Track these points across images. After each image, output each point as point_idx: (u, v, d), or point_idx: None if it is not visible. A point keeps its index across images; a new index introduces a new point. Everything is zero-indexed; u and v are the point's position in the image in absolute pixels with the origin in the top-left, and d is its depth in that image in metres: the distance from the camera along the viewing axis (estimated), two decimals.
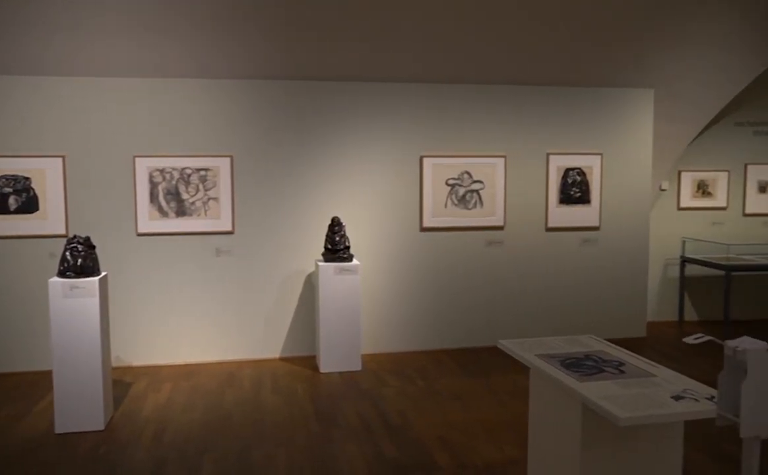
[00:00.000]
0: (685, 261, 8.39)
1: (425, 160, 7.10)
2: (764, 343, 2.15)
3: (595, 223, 7.57)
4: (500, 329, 7.28)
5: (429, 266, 7.23)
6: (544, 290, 7.50)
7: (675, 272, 8.54)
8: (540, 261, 7.48)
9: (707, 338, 2.32)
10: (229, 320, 6.87)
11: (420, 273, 7.22)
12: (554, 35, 6.53)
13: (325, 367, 6.50)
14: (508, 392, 5.82)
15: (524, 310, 7.45)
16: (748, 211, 8.57)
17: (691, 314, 8.62)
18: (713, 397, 2.59)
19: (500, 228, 7.35)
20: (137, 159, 6.56)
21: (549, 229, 7.48)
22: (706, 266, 8.04)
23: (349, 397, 5.78)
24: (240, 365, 6.78)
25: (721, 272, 7.78)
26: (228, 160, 6.72)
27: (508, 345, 3.45)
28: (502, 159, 7.27)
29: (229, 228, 6.78)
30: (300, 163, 6.88)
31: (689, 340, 2.35)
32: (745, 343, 2.15)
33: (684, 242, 8.44)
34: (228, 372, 6.52)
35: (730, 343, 2.18)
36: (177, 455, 4.56)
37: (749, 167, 8.50)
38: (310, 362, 6.83)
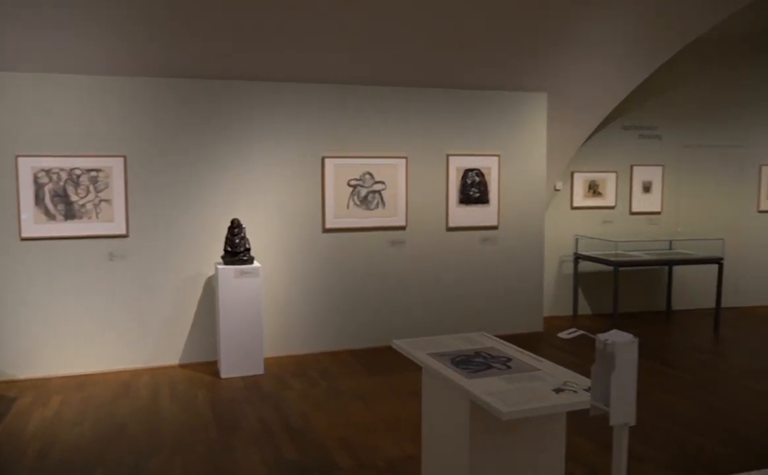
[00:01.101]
0: (578, 258, 8.80)
1: (327, 160, 7.09)
2: (630, 335, 2.29)
3: (494, 223, 7.80)
4: (403, 327, 7.37)
5: (332, 267, 7.22)
6: (446, 288, 7.67)
7: (569, 268, 8.95)
8: (441, 260, 7.64)
9: (580, 332, 2.44)
10: (124, 326, 6.60)
11: (323, 274, 7.20)
12: (452, 39, 6.68)
13: (226, 372, 6.37)
14: (410, 390, 5.90)
15: (427, 308, 7.58)
16: (634, 210, 9.09)
17: (584, 308, 9.06)
18: (590, 388, 2.72)
19: (402, 228, 7.44)
20: (20, 159, 6.18)
21: (450, 229, 7.65)
22: (596, 262, 8.46)
23: (250, 401, 5.69)
24: (136, 373, 6.53)
25: (610, 268, 8.21)
26: (121, 160, 6.45)
27: (402, 345, 3.50)
28: (404, 160, 7.36)
29: (122, 231, 6.51)
30: (198, 164, 6.71)
31: (563, 335, 2.46)
32: (613, 336, 2.28)
33: (577, 240, 8.85)
34: (123, 382, 6.27)
35: (601, 336, 2.30)
36: (65, 472, 4.33)
37: (635, 168, 9.02)
38: (210, 368, 6.67)
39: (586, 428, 4.85)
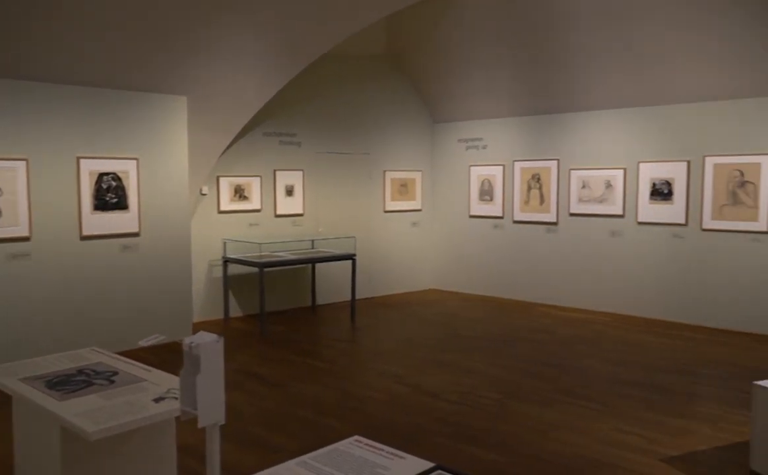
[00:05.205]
0: (227, 261, 8.88)
1: None
2: (215, 335, 2.32)
3: (135, 229, 7.42)
4: (30, 350, 6.51)
5: None
6: (82, 301, 7.03)
7: (219, 271, 8.98)
8: (76, 271, 6.99)
9: (162, 337, 2.41)
10: None
11: None
12: (80, 32, 6.16)
13: None
14: None
15: (60, 327, 6.85)
16: (279, 212, 9.53)
17: (236, 310, 9.19)
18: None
19: (26, 239, 6.61)
20: None
21: (84, 238, 7.04)
22: (244, 264, 8.65)
23: None
24: None
25: (256, 269, 8.45)
26: None
27: None
28: (24, 162, 6.54)
29: None
30: None
31: (142, 342, 2.40)
32: (198, 337, 2.29)
33: (225, 243, 8.93)
34: None
35: (186, 339, 2.29)
36: None
37: (278, 173, 9.46)
38: None
39: (227, 430, 4.88)
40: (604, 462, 4.48)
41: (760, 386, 4.30)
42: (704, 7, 7.58)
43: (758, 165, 8.00)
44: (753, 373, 6.08)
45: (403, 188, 11.10)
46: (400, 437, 4.94)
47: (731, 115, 8.26)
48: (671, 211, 8.78)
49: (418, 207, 11.38)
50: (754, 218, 8.06)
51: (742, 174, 8.13)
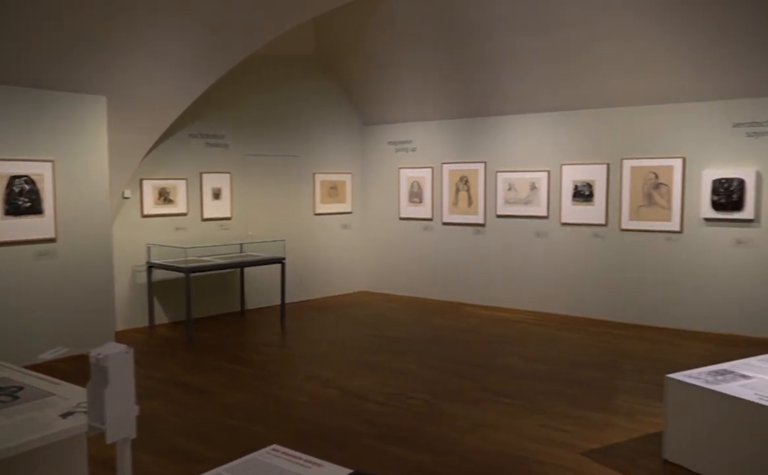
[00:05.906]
0: (151, 266, 8.62)
1: None
2: (124, 346, 2.24)
3: (51, 235, 7.10)
4: None
5: None
6: None
7: (143, 278, 8.70)
8: None
9: (65, 349, 2.31)
10: None
11: None
12: None
13: None
14: None
15: None
16: (206, 216, 9.32)
17: (162, 317, 8.92)
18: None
19: None
20: None
21: None
22: (169, 269, 8.40)
23: None
24: None
25: (183, 274, 8.22)
26: None
27: None
28: None
29: None
30: None
31: (45, 355, 2.30)
32: (106, 349, 2.20)
33: (149, 248, 8.66)
34: None
35: (93, 351, 2.20)
36: None
37: (204, 175, 9.25)
38: None
39: (150, 442, 4.73)
40: (528, 458, 4.58)
41: (671, 379, 4.49)
42: (624, 17, 7.87)
43: (671, 168, 8.39)
44: (667, 366, 6.34)
45: (333, 191, 11.06)
46: (328, 441, 4.91)
47: (646, 120, 8.62)
48: (592, 212, 9.09)
49: (349, 209, 11.36)
50: (668, 219, 8.44)
51: (656, 176, 8.50)
